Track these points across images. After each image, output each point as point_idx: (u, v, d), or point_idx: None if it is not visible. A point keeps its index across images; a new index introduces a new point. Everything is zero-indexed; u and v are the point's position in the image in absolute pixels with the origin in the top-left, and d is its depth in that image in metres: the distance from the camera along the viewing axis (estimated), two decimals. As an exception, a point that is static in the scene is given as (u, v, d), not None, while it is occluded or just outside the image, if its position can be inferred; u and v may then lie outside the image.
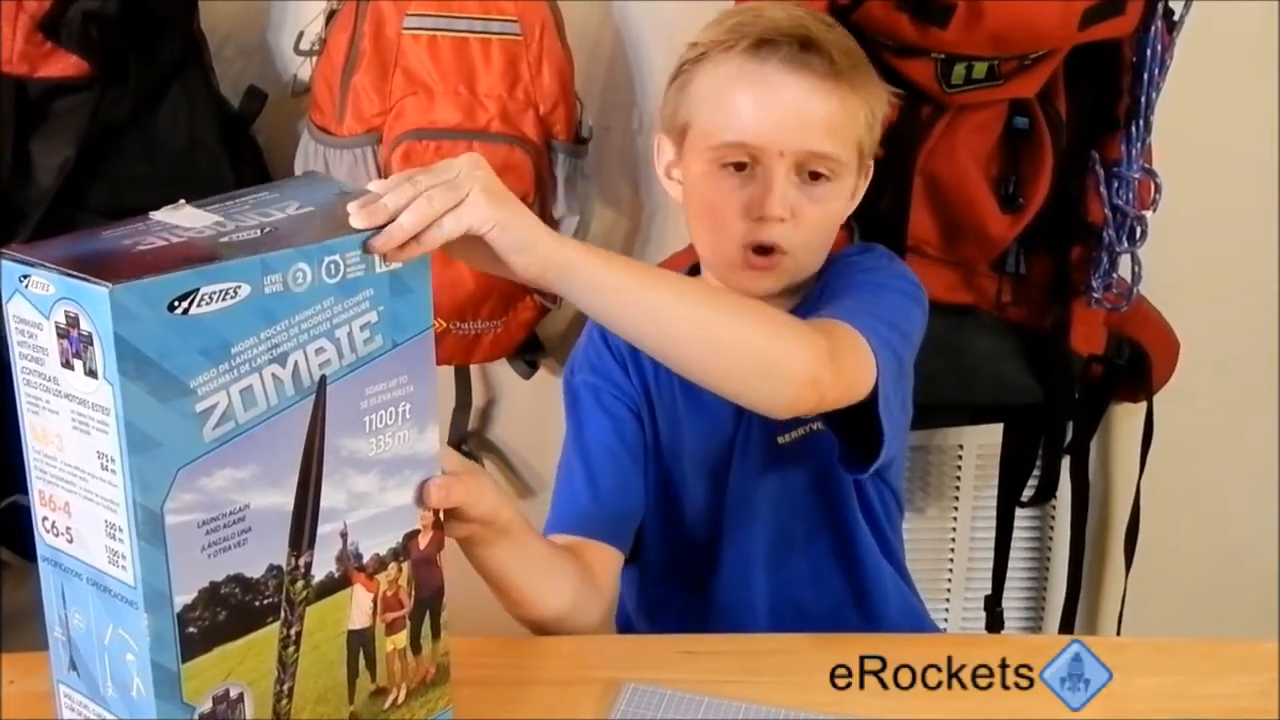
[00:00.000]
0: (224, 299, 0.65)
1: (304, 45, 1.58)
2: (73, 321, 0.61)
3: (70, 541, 0.66)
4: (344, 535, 0.78)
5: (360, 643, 0.82)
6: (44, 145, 1.45)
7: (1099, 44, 1.45)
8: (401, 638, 0.84)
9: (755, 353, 0.93)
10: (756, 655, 1.01)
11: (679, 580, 1.23)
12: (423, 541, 0.84)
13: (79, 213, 1.46)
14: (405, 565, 0.83)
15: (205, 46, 1.56)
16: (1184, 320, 1.69)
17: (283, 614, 0.75)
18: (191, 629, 0.68)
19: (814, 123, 1.07)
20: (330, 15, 1.57)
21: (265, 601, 0.73)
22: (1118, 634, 1.81)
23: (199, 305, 0.63)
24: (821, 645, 1.01)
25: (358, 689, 0.82)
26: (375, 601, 0.82)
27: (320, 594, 0.77)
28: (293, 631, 0.76)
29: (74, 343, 0.61)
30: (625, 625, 1.30)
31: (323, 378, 0.72)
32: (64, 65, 1.44)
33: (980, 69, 1.42)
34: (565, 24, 1.59)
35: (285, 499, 0.73)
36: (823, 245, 1.15)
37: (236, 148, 1.57)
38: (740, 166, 1.09)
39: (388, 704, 0.84)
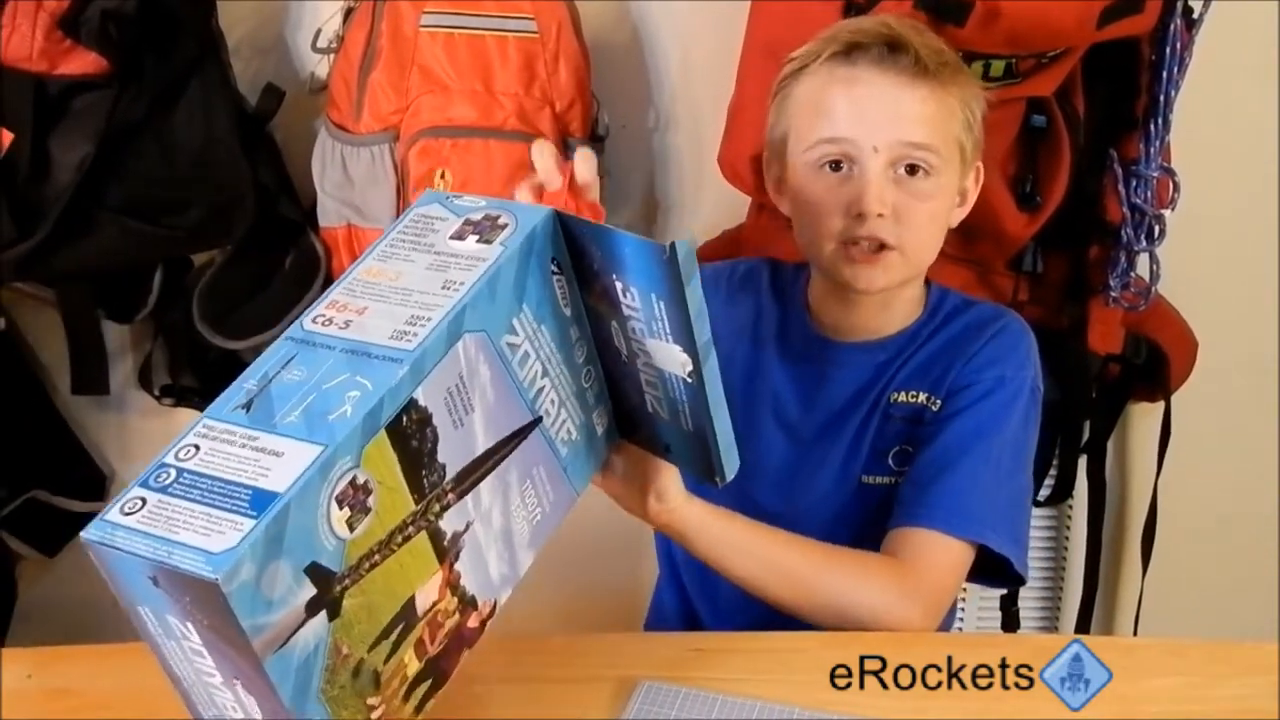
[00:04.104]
0: (567, 301, 0.85)
1: (321, 43, 1.59)
2: (491, 219, 0.83)
3: (343, 327, 0.78)
4: (469, 526, 0.80)
5: (405, 619, 0.77)
6: (62, 142, 1.46)
7: (1117, 42, 1.44)
8: (413, 666, 0.79)
9: (848, 609, 1.04)
10: (763, 654, 1.01)
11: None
12: (473, 621, 0.83)
13: (97, 210, 1.47)
14: (456, 618, 0.81)
15: (222, 44, 1.57)
16: (1202, 319, 1.69)
17: (415, 513, 0.76)
18: (405, 418, 0.74)
19: (906, 115, 1.08)
20: (348, 13, 1.58)
21: (426, 480, 0.76)
22: (1134, 634, 1.80)
23: (564, 284, 0.85)
24: (826, 644, 1.01)
25: (376, 651, 0.75)
26: (431, 607, 0.79)
27: (431, 538, 0.77)
28: (407, 532, 0.76)
29: (481, 228, 0.82)
30: (656, 621, 1.31)
31: (540, 418, 0.85)
32: (83, 63, 1.44)
33: (998, 67, 1.41)
34: (582, 22, 1.60)
35: (479, 444, 0.80)
36: (932, 243, 1.14)
37: (253, 145, 1.58)
38: (837, 166, 1.10)
39: (371, 703, 0.76)
